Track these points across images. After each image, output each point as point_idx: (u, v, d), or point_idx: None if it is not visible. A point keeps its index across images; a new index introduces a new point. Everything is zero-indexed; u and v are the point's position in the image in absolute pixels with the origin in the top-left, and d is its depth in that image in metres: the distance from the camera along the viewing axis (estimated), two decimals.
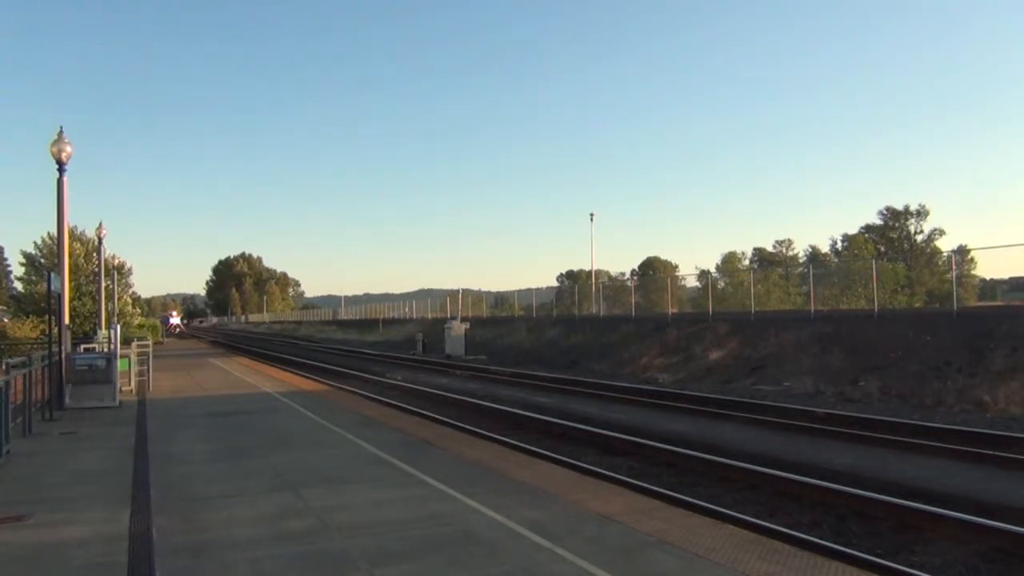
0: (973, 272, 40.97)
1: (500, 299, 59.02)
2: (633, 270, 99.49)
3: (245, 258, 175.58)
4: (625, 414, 16.74)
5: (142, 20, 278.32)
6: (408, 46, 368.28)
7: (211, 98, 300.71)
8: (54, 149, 15.63)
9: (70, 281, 21.11)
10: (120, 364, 17.19)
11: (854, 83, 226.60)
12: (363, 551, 5.80)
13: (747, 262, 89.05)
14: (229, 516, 6.94)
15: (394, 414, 15.02)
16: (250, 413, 14.81)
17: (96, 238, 33.06)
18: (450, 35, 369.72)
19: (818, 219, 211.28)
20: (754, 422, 15.04)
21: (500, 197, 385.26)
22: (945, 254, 48.67)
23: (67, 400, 15.37)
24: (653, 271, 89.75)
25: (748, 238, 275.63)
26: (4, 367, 13.37)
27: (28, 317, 38.78)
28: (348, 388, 22.92)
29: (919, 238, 78.96)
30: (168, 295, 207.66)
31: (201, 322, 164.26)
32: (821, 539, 7.41)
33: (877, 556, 6.90)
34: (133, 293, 57.17)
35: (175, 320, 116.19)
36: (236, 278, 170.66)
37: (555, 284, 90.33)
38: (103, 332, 25.32)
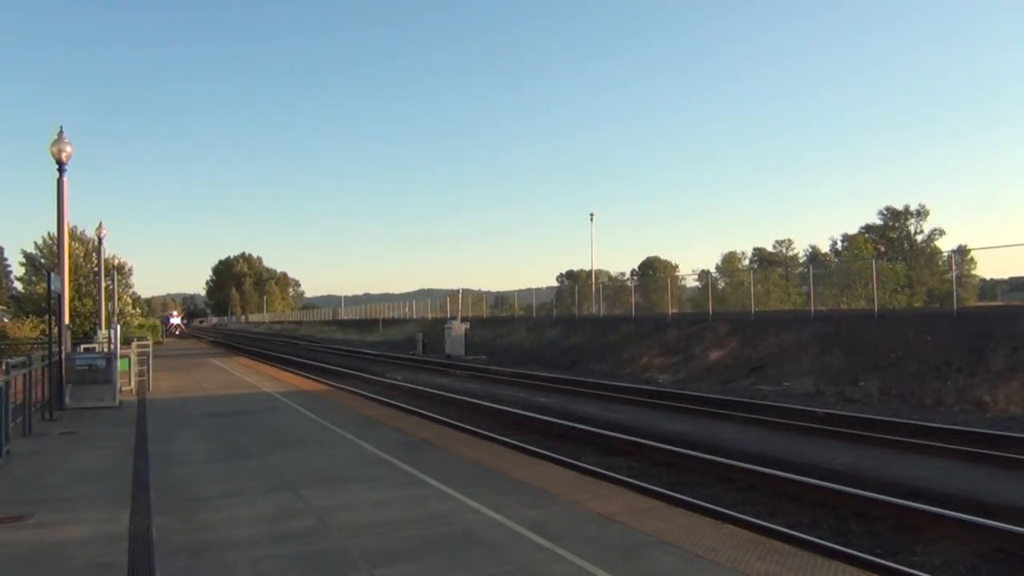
0: (973, 272, 40.96)
1: (500, 299, 59.02)
2: (633, 270, 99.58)
3: (245, 258, 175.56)
4: (625, 414, 16.74)
5: (142, 20, 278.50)
6: (408, 46, 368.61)
7: (211, 98, 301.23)
8: (54, 149, 15.63)
9: (70, 281, 21.11)
10: (120, 364, 17.19)
11: (854, 83, 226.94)
12: (363, 551, 5.80)
13: (747, 262, 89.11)
14: (229, 516, 6.94)
15: (394, 414, 15.02)
16: (250, 413, 14.81)
17: (96, 238, 33.06)
18: (450, 35, 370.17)
19: (818, 219, 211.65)
20: (754, 422, 15.04)
21: (500, 197, 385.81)
22: (945, 254, 48.63)
23: (67, 400, 15.37)
24: (653, 271, 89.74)
25: (748, 238, 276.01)
26: (4, 367, 13.36)
27: (28, 317, 38.77)
28: (348, 388, 22.92)
29: (919, 238, 78.91)
30: (168, 295, 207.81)
31: (201, 322, 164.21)
32: (821, 539, 7.41)
33: (877, 556, 6.90)
34: (133, 293, 57.11)
35: (175, 320, 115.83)
36: (236, 278, 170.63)
37: (555, 284, 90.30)
38: (103, 332, 25.33)
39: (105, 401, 15.68)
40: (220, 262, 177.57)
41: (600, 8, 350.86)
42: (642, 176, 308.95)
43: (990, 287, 39.44)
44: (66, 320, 16.75)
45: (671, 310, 32.90)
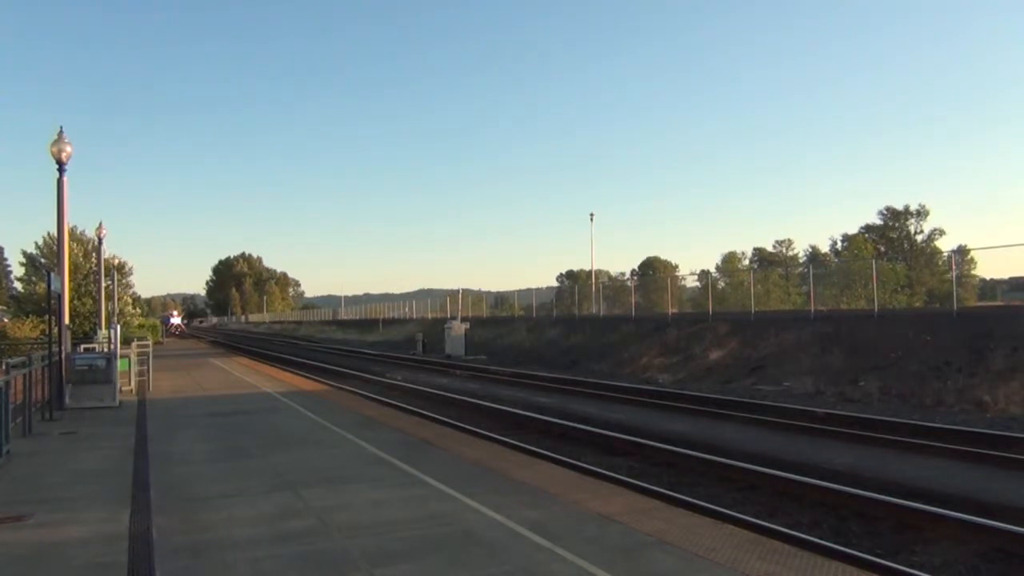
0: (973, 272, 40.96)
1: (500, 299, 59.03)
2: (633, 270, 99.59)
3: (245, 258, 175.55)
4: (625, 414, 16.74)
5: (142, 20, 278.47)
6: (408, 46, 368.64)
7: (211, 98, 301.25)
8: (54, 149, 15.63)
9: (70, 281, 21.11)
10: (120, 364, 17.19)
11: (854, 83, 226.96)
12: (363, 551, 5.80)
13: (747, 262, 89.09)
14: (229, 516, 6.94)
15: (394, 414, 15.02)
16: (250, 413, 14.81)
17: (96, 238, 33.06)
18: (450, 35, 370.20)
19: (818, 219, 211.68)
20: (754, 422, 15.04)
21: (500, 197, 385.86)
22: (945, 254, 48.63)
23: (67, 400, 15.37)
24: (653, 271, 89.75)
25: (748, 238, 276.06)
26: (4, 367, 13.36)
27: (28, 317, 38.77)
28: (348, 388, 22.92)
29: (919, 238, 78.88)
30: (168, 295, 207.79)
31: (201, 322, 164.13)
32: (821, 539, 7.41)
33: (877, 556, 6.90)
34: (133, 293, 57.10)
35: (176, 320, 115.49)
36: (236, 278, 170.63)
37: (555, 284, 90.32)
38: (103, 332, 25.33)
39: (105, 401, 15.68)
40: (220, 262, 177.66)
41: (600, 8, 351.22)
42: (642, 176, 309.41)
43: (990, 287, 39.45)
44: (66, 320, 16.75)
45: (671, 310, 32.90)
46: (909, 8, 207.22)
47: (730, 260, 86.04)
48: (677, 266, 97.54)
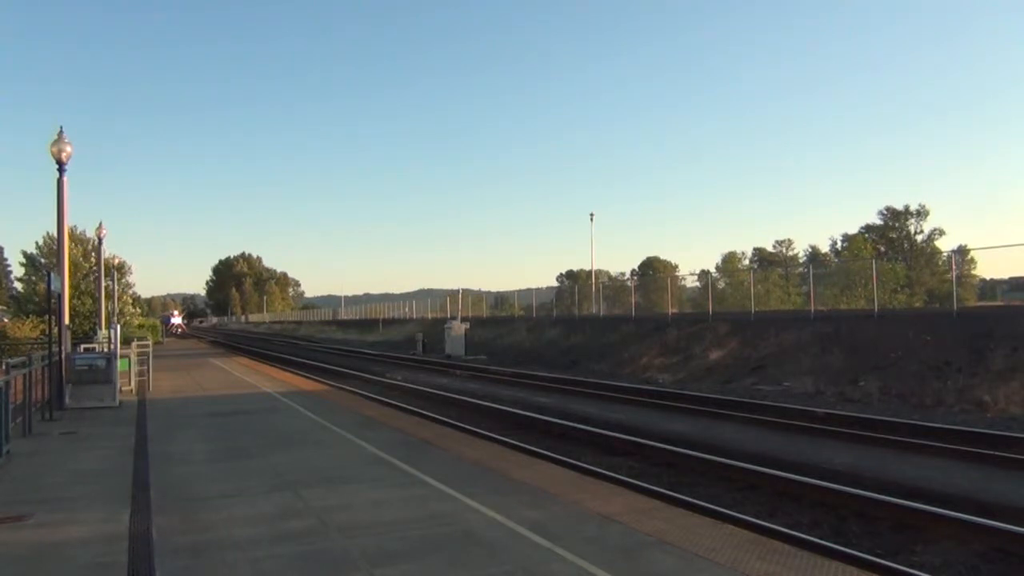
0: (973, 272, 41.02)
1: (500, 299, 59.05)
2: (633, 270, 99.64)
3: (245, 258, 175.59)
4: (625, 414, 16.74)
5: (142, 20, 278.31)
6: (408, 46, 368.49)
7: (211, 98, 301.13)
8: (54, 149, 15.63)
9: (70, 281, 21.11)
10: (120, 364, 17.19)
11: (854, 83, 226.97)
12: (363, 551, 5.80)
13: (747, 262, 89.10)
14: (229, 516, 6.94)
15: (394, 414, 15.02)
16: (250, 413, 14.81)
17: (96, 238, 33.06)
18: (450, 35, 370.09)
19: (818, 219, 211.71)
20: (754, 422, 15.04)
21: (500, 197, 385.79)
22: (945, 254, 48.67)
23: (67, 400, 15.37)
24: (653, 271, 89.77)
25: (748, 238, 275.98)
26: (4, 367, 13.35)
27: (28, 317, 38.77)
28: (348, 388, 22.92)
29: (919, 238, 78.91)
30: (168, 295, 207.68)
31: (201, 322, 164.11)
32: (821, 539, 7.41)
33: (877, 556, 6.90)
34: (133, 293, 57.08)
35: (176, 320, 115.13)
36: (236, 278, 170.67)
37: (555, 284, 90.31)
38: (103, 332, 25.32)
39: (105, 401, 15.68)
40: (220, 262, 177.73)
41: (600, 8, 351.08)
42: (642, 176, 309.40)
43: (990, 287, 39.51)
44: (66, 320, 16.75)
45: (671, 310, 32.90)
46: (909, 8, 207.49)
47: (730, 260, 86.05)
48: (677, 266, 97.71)
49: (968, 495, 8.94)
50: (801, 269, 50.90)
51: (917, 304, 34.49)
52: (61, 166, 15.73)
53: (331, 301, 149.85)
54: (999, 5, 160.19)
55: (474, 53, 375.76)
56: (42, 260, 43.28)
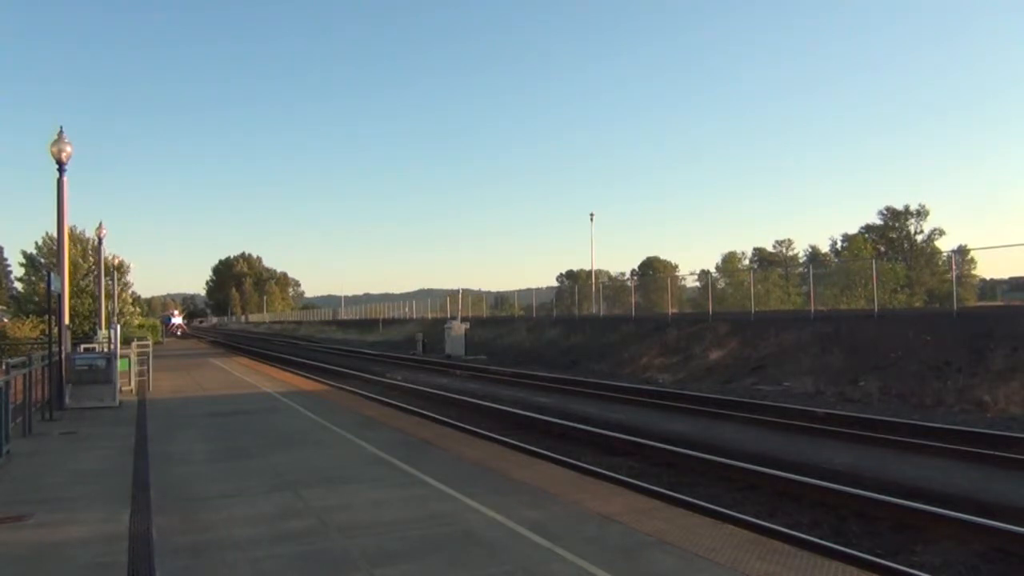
0: (973, 272, 41.02)
1: (500, 299, 59.05)
2: (633, 270, 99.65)
3: (245, 258, 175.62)
4: (625, 414, 16.74)
5: (142, 20, 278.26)
6: (408, 46, 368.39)
7: (211, 98, 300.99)
8: (54, 149, 15.63)
9: (70, 281, 21.11)
10: (120, 364, 17.19)
11: (854, 83, 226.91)
12: (363, 551, 5.80)
13: (747, 262, 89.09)
14: (229, 516, 6.94)
15: (394, 414, 15.02)
16: (250, 413, 14.81)
17: (96, 238, 33.06)
18: (450, 35, 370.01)
19: (818, 219, 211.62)
20: (754, 422, 15.04)
21: (500, 197, 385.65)
22: (945, 254, 48.66)
23: (67, 400, 15.37)
24: (653, 271, 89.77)
25: (748, 238, 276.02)
26: (4, 367, 13.36)
27: (28, 317, 38.78)
28: (348, 388, 22.92)
29: (919, 238, 78.92)
30: (168, 295, 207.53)
31: (201, 322, 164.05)
32: (821, 539, 7.41)
33: (877, 556, 6.90)
34: (133, 293, 57.09)
35: (177, 320, 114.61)
36: (236, 278, 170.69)
37: (555, 284, 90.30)
38: (103, 332, 25.33)
39: (105, 401, 15.68)
40: (220, 262, 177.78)
41: (600, 8, 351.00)
42: (642, 176, 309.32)
43: (990, 287, 39.51)
44: (66, 320, 16.75)
45: (671, 310, 32.90)
46: (909, 8, 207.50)
47: (730, 260, 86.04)
48: (677, 266, 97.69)
49: (968, 495, 8.94)
50: (801, 269, 50.90)
51: (917, 304, 34.49)
52: (61, 166, 15.73)
53: (331, 301, 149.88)
54: (999, 5, 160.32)
55: (474, 53, 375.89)
56: (42, 260, 43.29)
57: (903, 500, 8.44)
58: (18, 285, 53.03)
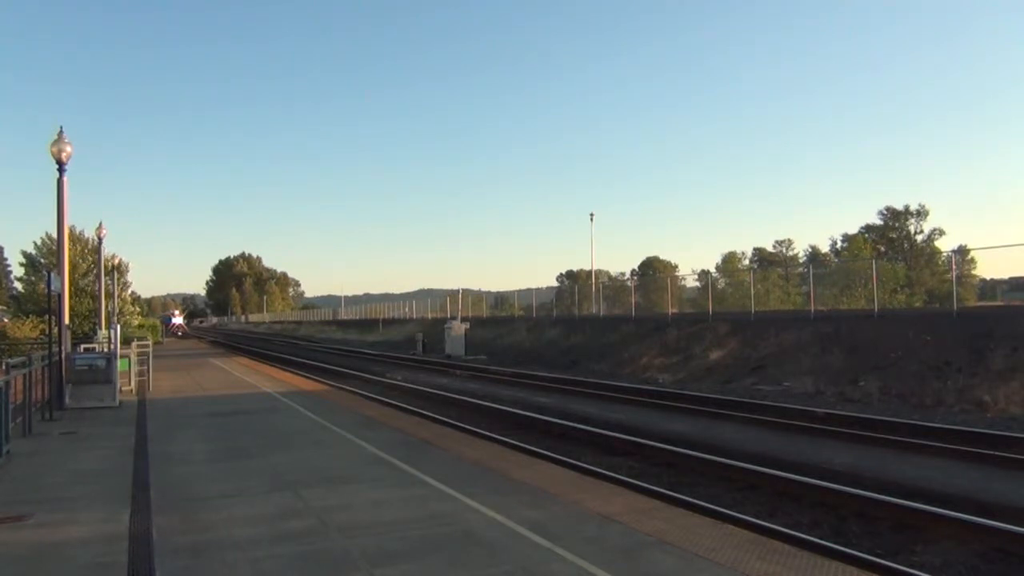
0: (973, 272, 41.06)
1: (500, 299, 59.03)
2: (633, 270, 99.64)
3: (245, 258, 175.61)
4: (625, 414, 16.74)
5: (142, 20, 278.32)
6: (408, 46, 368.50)
7: (211, 98, 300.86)
8: (54, 149, 15.63)
9: (70, 280, 21.11)
10: (120, 364, 17.19)
11: (854, 83, 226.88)
12: (363, 551, 5.80)
13: (747, 262, 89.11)
14: (229, 516, 6.94)
15: (394, 414, 15.02)
16: (250, 413, 14.81)
17: (96, 238, 33.06)
18: (450, 35, 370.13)
19: (818, 219, 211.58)
20: (754, 422, 15.04)
21: (500, 197, 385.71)
22: (945, 254, 48.70)
23: (67, 400, 15.37)
24: (653, 271, 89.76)
25: (748, 238, 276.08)
26: (4, 367, 13.36)
27: (28, 317, 38.77)
28: (348, 388, 22.92)
29: (919, 238, 78.97)
30: (168, 295, 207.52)
31: (201, 322, 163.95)
32: (821, 539, 7.41)
33: (877, 556, 6.90)
34: (132, 293, 57.06)
35: (178, 320, 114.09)
36: (236, 278, 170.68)
37: (555, 284, 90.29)
38: (103, 332, 25.32)
39: (105, 401, 15.68)
40: (220, 262, 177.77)
41: (600, 8, 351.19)
42: (642, 176, 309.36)
43: (990, 287, 39.53)
44: (66, 320, 16.75)
45: (671, 310, 32.89)
46: (909, 8, 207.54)
47: (730, 260, 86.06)
48: (677, 266, 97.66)
49: (968, 495, 8.94)
50: (801, 269, 50.88)
51: (917, 304, 34.46)
52: (61, 166, 15.73)
53: (331, 301, 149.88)
54: (999, 5, 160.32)
55: (474, 53, 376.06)
56: (41, 260, 43.26)
57: (903, 500, 8.44)
58: (18, 285, 53.03)
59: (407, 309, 68.11)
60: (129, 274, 51.52)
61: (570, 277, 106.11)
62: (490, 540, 6.03)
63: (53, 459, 10.15)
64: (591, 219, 49.74)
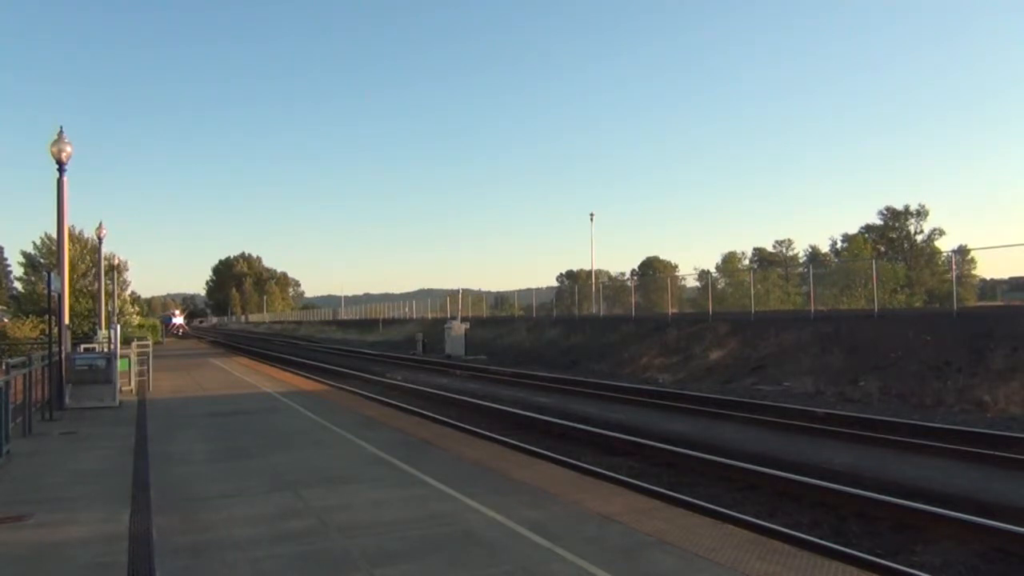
0: (973, 272, 41.07)
1: (500, 299, 59.03)
2: (633, 270, 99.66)
3: (245, 258, 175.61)
4: (625, 414, 16.74)
5: (142, 20, 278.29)
6: (408, 46, 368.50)
7: (211, 98, 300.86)
8: (54, 149, 15.62)
9: (69, 280, 21.11)
10: (120, 364, 17.19)
11: (854, 83, 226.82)
12: (363, 551, 5.80)
13: (747, 262, 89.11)
14: (229, 516, 6.94)
15: (394, 414, 15.02)
16: (250, 413, 14.81)
17: (96, 238, 33.06)
18: (450, 35, 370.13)
19: (818, 219, 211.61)
20: (754, 422, 15.04)
21: (500, 197, 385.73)
22: (945, 254, 48.70)
23: (67, 400, 15.37)
24: (653, 271, 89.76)
25: (748, 238, 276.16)
26: (4, 367, 13.36)
27: (28, 317, 38.77)
28: (348, 388, 22.92)
29: (919, 238, 78.99)
30: (168, 295, 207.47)
31: (201, 322, 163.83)
32: (821, 539, 7.41)
33: (877, 556, 6.90)
34: (132, 293, 57.06)
35: (178, 320, 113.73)
36: (236, 278, 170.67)
37: (555, 284, 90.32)
38: (103, 332, 25.32)
39: (105, 401, 15.68)
40: (220, 262, 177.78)
41: (600, 8, 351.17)
42: (642, 176, 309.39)
43: (990, 287, 39.53)
44: (66, 320, 16.74)
45: (671, 310, 32.89)
46: (909, 8, 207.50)
47: (730, 260, 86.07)
48: (677, 266, 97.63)
49: (968, 495, 8.94)
50: (801, 269, 50.88)
51: (917, 304, 34.45)
52: (61, 166, 15.73)
53: (331, 301, 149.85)
54: (999, 5, 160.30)
55: (474, 53, 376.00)
56: (41, 260, 43.27)
57: (903, 500, 8.44)
58: (18, 285, 53.03)
59: (407, 309, 68.11)
60: (128, 273, 51.58)
61: (570, 277, 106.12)
62: (490, 540, 6.03)
63: (53, 459, 10.15)
64: (591, 219, 49.79)
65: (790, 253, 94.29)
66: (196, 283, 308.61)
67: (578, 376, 25.31)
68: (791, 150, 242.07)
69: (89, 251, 41.74)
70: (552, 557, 5.58)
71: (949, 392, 16.76)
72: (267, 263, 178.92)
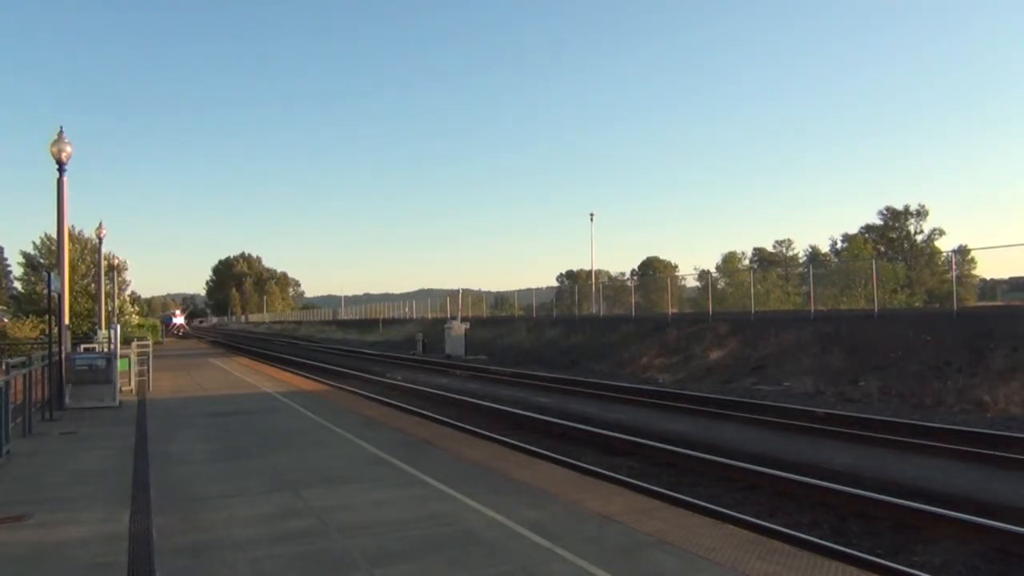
0: (973, 272, 41.07)
1: (500, 299, 59.03)
2: (633, 270, 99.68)
3: (245, 258, 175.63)
4: (625, 414, 16.73)
5: (142, 20, 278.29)
6: (408, 46, 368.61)
7: (211, 98, 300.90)
8: (54, 149, 15.63)
9: (69, 280, 21.10)
10: (120, 364, 17.18)
11: (854, 83, 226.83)
12: (363, 551, 5.80)
13: (747, 262, 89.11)
14: (229, 516, 6.94)
15: (394, 414, 15.02)
16: (250, 413, 14.81)
17: (96, 238, 33.06)
18: (450, 35, 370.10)
19: (818, 219, 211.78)
20: (754, 422, 15.04)
21: (500, 197, 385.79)
22: (945, 254, 48.70)
23: (67, 400, 15.37)
24: (653, 271, 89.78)
25: (748, 238, 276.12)
26: (4, 367, 13.36)
27: (28, 317, 38.77)
28: (348, 388, 22.92)
29: (919, 238, 79.01)
30: (168, 295, 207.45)
31: (201, 322, 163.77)
32: (821, 539, 7.41)
33: (877, 556, 6.90)
34: (132, 293, 57.07)
35: (179, 320, 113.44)
36: (236, 278, 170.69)
37: (555, 284, 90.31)
38: (103, 332, 25.31)
39: (105, 401, 15.68)
40: (220, 262, 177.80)
41: (600, 8, 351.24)
42: (642, 176, 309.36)
43: (990, 287, 39.56)
44: (66, 320, 16.74)
45: (671, 310, 32.89)
46: (909, 8, 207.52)
47: (730, 260, 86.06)
48: (677, 266, 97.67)
49: (968, 495, 8.94)
50: (801, 269, 50.86)
51: (917, 304, 34.43)
52: (61, 166, 15.73)
53: (331, 301, 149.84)
54: (999, 5, 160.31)
55: (474, 53, 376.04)
56: (41, 260, 43.27)
57: (903, 500, 8.44)
58: (18, 285, 53.04)
59: (407, 309, 68.10)
60: (128, 273, 51.58)
61: (570, 277, 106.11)
62: (490, 540, 6.03)
63: (53, 459, 10.15)
64: (591, 219, 49.78)
65: (790, 253, 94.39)
66: (196, 283, 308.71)
67: (578, 376, 25.31)
68: (791, 150, 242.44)
69: (89, 251, 41.74)
70: (552, 557, 5.58)
71: (949, 392, 16.76)
72: (267, 263, 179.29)
